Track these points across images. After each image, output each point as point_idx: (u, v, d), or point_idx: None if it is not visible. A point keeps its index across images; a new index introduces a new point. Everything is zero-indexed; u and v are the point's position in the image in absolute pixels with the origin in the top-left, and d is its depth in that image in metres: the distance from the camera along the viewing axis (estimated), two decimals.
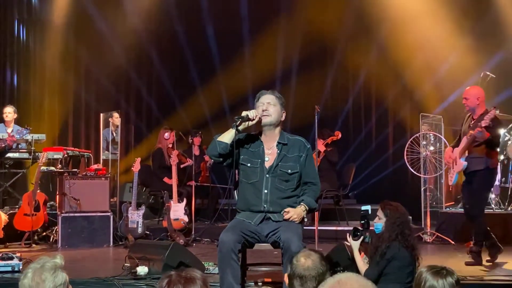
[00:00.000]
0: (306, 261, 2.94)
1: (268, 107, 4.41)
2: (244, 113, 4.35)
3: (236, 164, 4.46)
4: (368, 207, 4.55)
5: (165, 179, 8.42)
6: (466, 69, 9.86)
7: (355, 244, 4.47)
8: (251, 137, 4.53)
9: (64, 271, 2.67)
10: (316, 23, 10.72)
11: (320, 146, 8.27)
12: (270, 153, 4.47)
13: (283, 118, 4.51)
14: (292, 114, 9.67)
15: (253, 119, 4.36)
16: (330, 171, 8.73)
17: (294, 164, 4.44)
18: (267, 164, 4.43)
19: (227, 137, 4.37)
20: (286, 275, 3.01)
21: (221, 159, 4.43)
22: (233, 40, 11.00)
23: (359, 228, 4.47)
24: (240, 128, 4.34)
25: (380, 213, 4.41)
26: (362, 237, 4.44)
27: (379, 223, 4.38)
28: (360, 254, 4.50)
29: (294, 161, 4.44)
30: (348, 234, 4.50)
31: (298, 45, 10.87)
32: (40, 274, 2.58)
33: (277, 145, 4.47)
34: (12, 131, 8.15)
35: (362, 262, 4.39)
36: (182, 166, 8.80)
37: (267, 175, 4.40)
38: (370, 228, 4.50)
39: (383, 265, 4.20)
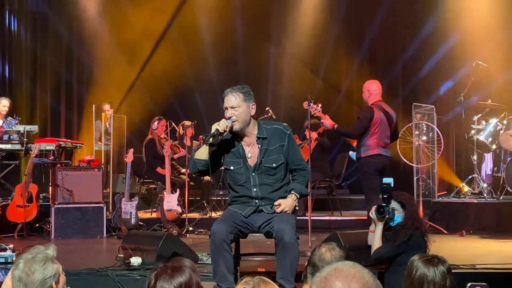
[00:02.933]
0: (326, 253, 2.94)
1: (232, 114, 4.27)
2: (214, 128, 4.22)
3: (212, 172, 4.41)
4: (391, 180, 4.44)
5: (158, 169, 8.41)
6: (458, 59, 9.89)
7: (380, 222, 4.35)
8: (226, 139, 4.43)
9: (55, 262, 2.67)
10: (309, 16, 10.74)
11: (313, 133, 8.20)
12: (251, 149, 4.39)
13: (253, 112, 4.36)
14: (285, 104, 9.67)
15: (225, 131, 4.26)
16: (323, 161, 8.73)
17: (278, 156, 4.37)
18: (251, 162, 4.37)
19: (204, 153, 4.30)
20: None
21: (200, 174, 4.49)
22: (226, 31, 10.97)
23: (383, 204, 4.36)
24: (213, 142, 4.27)
25: (395, 204, 4.38)
26: (387, 214, 4.32)
27: (396, 215, 4.35)
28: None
29: (277, 153, 4.37)
30: (371, 211, 4.41)
31: (291, 34, 10.85)
32: (30, 265, 2.59)
33: (257, 140, 4.39)
34: (4, 122, 8.14)
35: (380, 240, 4.36)
36: (175, 156, 8.79)
37: (253, 173, 4.36)
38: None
39: (402, 250, 4.18)
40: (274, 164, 4.37)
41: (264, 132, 4.39)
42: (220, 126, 4.22)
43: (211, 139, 4.21)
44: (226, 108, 4.31)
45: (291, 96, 10.16)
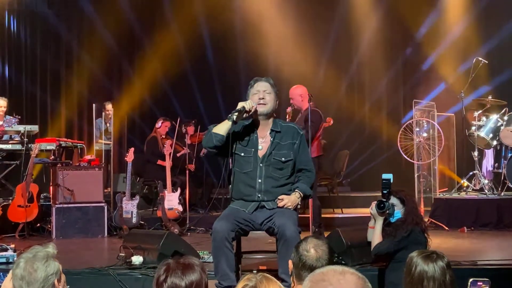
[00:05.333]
0: (317, 252, 2.92)
1: (264, 96, 4.39)
2: (240, 105, 4.29)
3: (230, 154, 4.44)
4: (390, 176, 4.46)
5: (159, 162, 8.42)
6: (459, 55, 9.89)
7: (380, 218, 4.36)
8: (244, 126, 4.49)
9: (56, 260, 2.67)
10: (308, 10, 10.73)
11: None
12: (264, 141, 4.44)
13: (276, 107, 4.50)
14: (286, 101, 9.63)
15: (250, 110, 4.32)
16: (323, 159, 8.71)
17: (288, 151, 4.42)
18: (261, 153, 4.40)
19: (223, 128, 4.33)
20: (290, 262, 3.00)
21: (215, 150, 4.41)
22: (225, 28, 10.95)
23: (383, 199, 4.37)
24: (236, 120, 4.30)
25: (394, 200, 4.39)
26: (387, 209, 4.34)
27: (396, 211, 4.37)
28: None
29: (287, 149, 4.42)
30: (371, 206, 4.42)
31: (291, 31, 10.84)
32: (32, 263, 2.59)
33: (270, 133, 4.44)
34: (3, 121, 8.13)
35: (380, 235, 4.37)
36: (178, 154, 8.79)
37: (261, 164, 4.38)
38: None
39: (403, 245, 4.19)
40: (283, 158, 4.41)
41: (278, 127, 4.48)
42: (247, 104, 4.31)
43: (235, 115, 4.25)
44: (258, 91, 4.41)
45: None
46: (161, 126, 8.74)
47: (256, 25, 10.75)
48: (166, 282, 2.34)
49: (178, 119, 8.83)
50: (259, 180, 4.38)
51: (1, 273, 4.98)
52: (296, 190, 4.42)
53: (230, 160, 4.54)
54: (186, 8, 10.87)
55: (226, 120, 4.32)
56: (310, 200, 6.45)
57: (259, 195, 4.38)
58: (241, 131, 4.46)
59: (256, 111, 4.38)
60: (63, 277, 2.71)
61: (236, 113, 4.27)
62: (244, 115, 4.35)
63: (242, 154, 4.44)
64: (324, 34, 10.90)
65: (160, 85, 11.09)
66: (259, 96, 4.39)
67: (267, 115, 4.44)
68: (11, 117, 7.94)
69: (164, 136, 8.76)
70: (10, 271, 2.89)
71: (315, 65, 10.87)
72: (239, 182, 4.47)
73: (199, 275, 2.38)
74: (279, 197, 4.35)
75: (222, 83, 10.81)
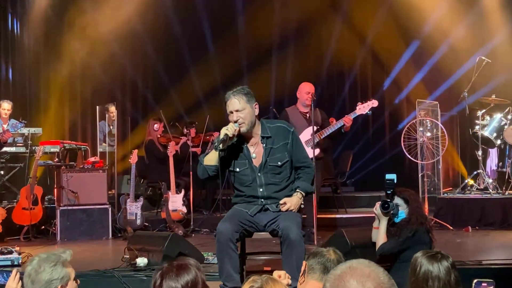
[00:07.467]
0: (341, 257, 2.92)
1: (238, 116, 4.24)
2: (223, 133, 4.18)
3: (225, 170, 4.39)
4: (393, 176, 4.46)
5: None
6: (462, 54, 9.86)
7: (385, 218, 4.37)
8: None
9: (68, 267, 2.70)
10: (309, 9, 10.71)
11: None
12: (256, 150, 4.37)
13: (257, 112, 4.35)
14: (288, 99, 9.65)
15: (234, 135, 4.23)
16: (327, 159, 8.70)
17: (282, 154, 4.36)
18: (256, 162, 4.35)
19: (214, 159, 4.27)
20: (305, 263, 2.95)
21: (211, 179, 4.42)
22: (226, 20, 10.92)
23: (387, 200, 4.38)
24: (223, 148, 4.22)
25: (398, 200, 4.39)
26: (392, 209, 4.35)
27: (400, 211, 4.37)
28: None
29: (281, 151, 4.36)
30: (376, 207, 4.42)
31: (293, 27, 10.82)
32: (41, 264, 2.65)
33: (261, 140, 4.37)
34: (8, 125, 8.14)
35: (385, 235, 4.37)
36: (179, 145, 8.77)
37: (259, 174, 4.34)
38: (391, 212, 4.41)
39: (407, 245, 4.19)
40: (279, 163, 4.36)
41: (268, 131, 4.37)
42: (229, 130, 4.19)
43: (221, 145, 4.17)
44: (231, 112, 4.27)
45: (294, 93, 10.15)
46: (159, 127, 8.72)
47: (257, 11, 10.68)
48: (162, 287, 2.37)
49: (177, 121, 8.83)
50: (261, 190, 4.36)
51: (4, 273, 5.02)
52: (297, 190, 4.39)
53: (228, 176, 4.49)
54: (187, 7, 10.88)
55: (214, 151, 4.24)
56: (315, 202, 6.42)
57: (262, 200, 4.37)
58: (229, 147, 4.33)
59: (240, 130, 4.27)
60: (73, 285, 2.72)
61: (222, 143, 4.17)
62: (229, 141, 4.24)
63: (238, 169, 4.38)
64: (325, 35, 10.90)
65: (162, 85, 11.09)
66: (233, 119, 4.25)
67: (248, 130, 4.31)
68: (17, 121, 7.96)
69: (160, 135, 8.73)
70: (14, 270, 2.95)
71: (318, 64, 10.86)
72: (240, 193, 4.46)
73: (194, 274, 2.40)
74: (281, 202, 4.32)
75: (225, 82, 10.76)
